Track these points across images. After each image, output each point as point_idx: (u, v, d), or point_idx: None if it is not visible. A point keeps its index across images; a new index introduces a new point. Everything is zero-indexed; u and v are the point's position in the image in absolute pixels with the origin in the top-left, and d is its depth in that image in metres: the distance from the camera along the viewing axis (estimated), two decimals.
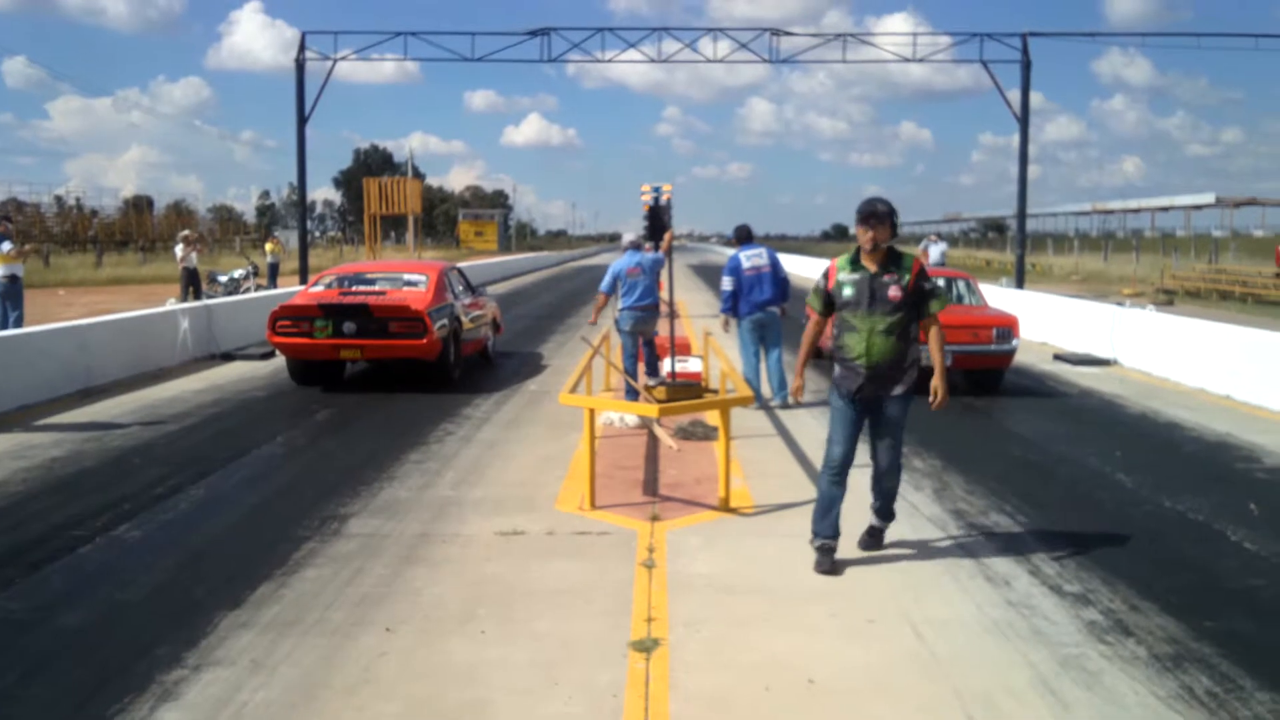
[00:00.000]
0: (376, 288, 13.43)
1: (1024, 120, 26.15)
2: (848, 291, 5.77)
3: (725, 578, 5.70)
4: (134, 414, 10.70)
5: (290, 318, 12.35)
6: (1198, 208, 69.40)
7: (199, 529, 6.76)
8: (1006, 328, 12.10)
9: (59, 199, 67.42)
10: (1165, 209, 72.51)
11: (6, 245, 15.22)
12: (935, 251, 28.94)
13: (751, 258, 11.28)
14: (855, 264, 5.80)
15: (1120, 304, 16.62)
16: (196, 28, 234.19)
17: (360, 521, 6.80)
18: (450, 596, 5.43)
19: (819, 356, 10.79)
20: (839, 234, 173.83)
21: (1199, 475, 8.51)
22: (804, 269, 43.20)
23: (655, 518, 6.85)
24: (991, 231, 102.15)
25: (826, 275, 5.91)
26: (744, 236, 11.76)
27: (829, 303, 5.88)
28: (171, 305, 15.70)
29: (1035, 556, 6.14)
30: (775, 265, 11.32)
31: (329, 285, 13.64)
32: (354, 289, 13.39)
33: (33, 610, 5.28)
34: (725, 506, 7.00)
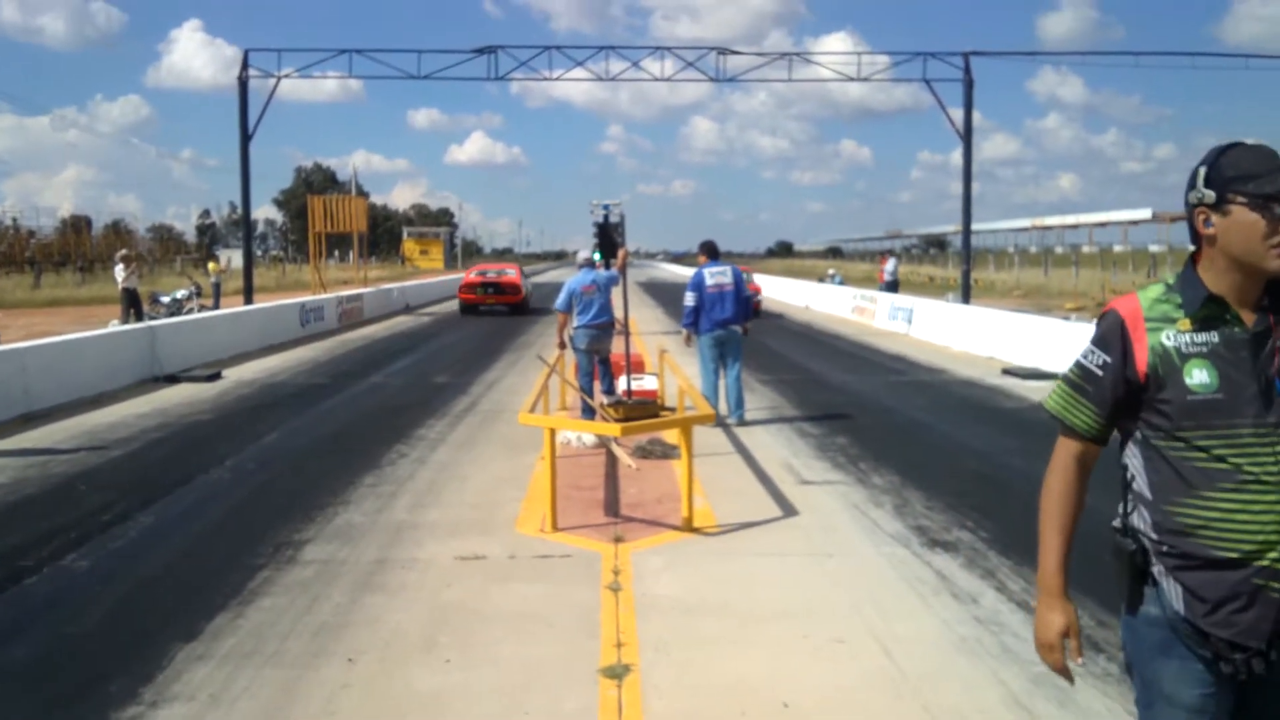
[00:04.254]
0: (495, 275, 30.72)
1: (967, 138, 26.51)
2: (1202, 378, 2.32)
3: (693, 599, 5.64)
4: (77, 439, 10.43)
5: (469, 286, 29.66)
6: (1134, 223, 70.88)
7: (149, 557, 6.56)
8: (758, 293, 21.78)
9: None
10: (1103, 224, 74.04)
11: None
12: (891, 264, 29.61)
13: (716, 275, 11.26)
14: (1206, 309, 2.36)
15: (1067, 318, 16.84)
16: (135, 46, 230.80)
17: (315, 548, 6.64)
18: (411, 624, 5.31)
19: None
20: (783, 250, 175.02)
21: None
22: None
23: (618, 539, 6.77)
24: (933, 248, 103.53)
25: (1120, 339, 2.41)
26: (710, 252, 11.71)
27: (1121, 408, 2.46)
28: (113, 327, 15.37)
29: (1000, 572, 6.15)
30: (739, 283, 11.32)
31: (478, 274, 30.99)
32: (488, 275, 30.80)
33: None
34: (688, 526, 6.93)
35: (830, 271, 40.19)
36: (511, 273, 31.07)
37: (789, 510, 7.54)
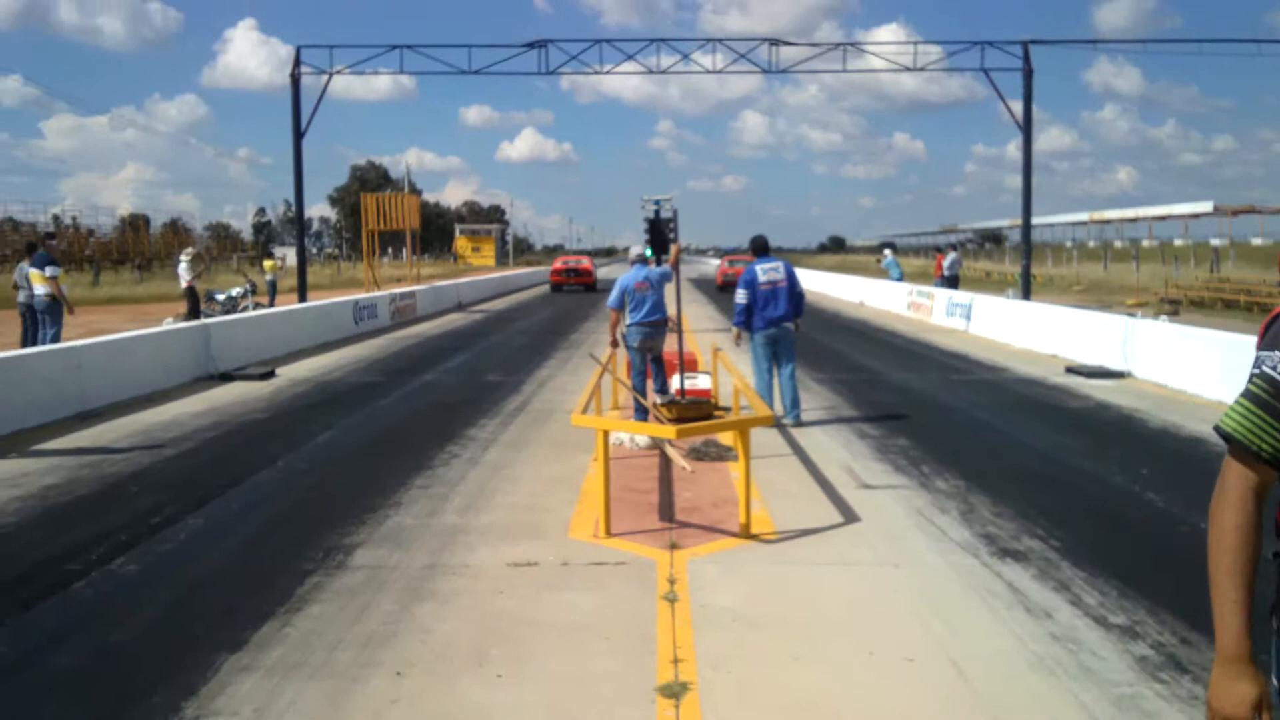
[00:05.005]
0: (574, 264, 47.26)
1: (1027, 129, 25.91)
2: None
3: (753, 611, 5.41)
4: (130, 438, 10.43)
5: (557, 271, 46.45)
6: (1195, 216, 69.39)
7: (198, 561, 6.47)
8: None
9: (56, 218, 67.25)
10: (1163, 218, 72.59)
11: (50, 269, 15.20)
12: (951, 258, 29.40)
13: (768, 271, 10.99)
14: None
15: (1132, 315, 16.35)
16: (192, 46, 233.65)
17: (365, 552, 6.51)
18: (461, 634, 5.14)
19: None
20: (835, 245, 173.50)
21: None
22: (808, 282, 42.90)
23: (674, 545, 6.56)
24: (988, 242, 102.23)
25: None
26: (760, 248, 11.42)
27: None
28: (169, 325, 15.44)
29: (1074, 584, 5.86)
30: (792, 280, 11.03)
31: (563, 263, 47.63)
32: (569, 264, 47.42)
33: (22, 651, 4.99)
34: (746, 533, 6.71)
35: (885, 252, 39.47)
36: (585, 262, 48.80)
37: (850, 516, 7.29)
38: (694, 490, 8.07)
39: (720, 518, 7.20)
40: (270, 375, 15.34)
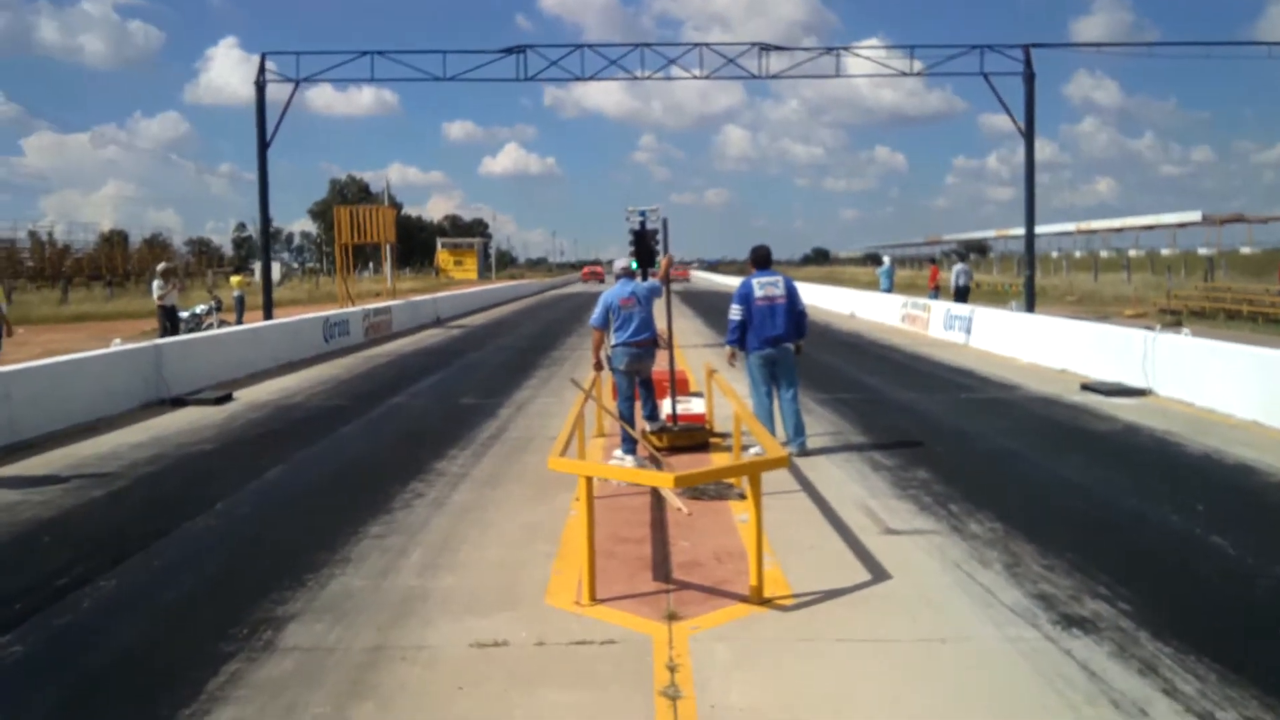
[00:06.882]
0: (594, 267, 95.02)
1: (1029, 133, 24.97)
2: None
3: (775, 714, 4.31)
4: (58, 475, 9.30)
5: (585, 271, 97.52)
6: (1183, 226, 68.86)
7: (97, 641, 5.33)
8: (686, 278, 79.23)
9: (33, 234, 65.63)
10: (1150, 228, 71.93)
11: None
12: (958, 268, 29.65)
13: (765, 286, 9.87)
14: None
15: (1151, 328, 15.33)
16: (174, 63, 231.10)
17: (300, 627, 5.39)
18: None
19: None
20: (819, 257, 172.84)
21: None
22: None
23: (672, 616, 5.45)
24: (973, 253, 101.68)
25: None
26: (760, 260, 10.22)
27: None
28: (117, 346, 14.26)
29: (1162, 665, 4.79)
30: (792, 296, 9.90)
31: (588, 269, 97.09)
32: (591, 268, 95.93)
33: None
34: (759, 597, 5.61)
35: (885, 259, 39.13)
36: (600, 266, 79.93)
37: (878, 573, 6.18)
38: (692, 539, 6.97)
39: (725, 576, 6.10)
40: (227, 399, 14.20)
